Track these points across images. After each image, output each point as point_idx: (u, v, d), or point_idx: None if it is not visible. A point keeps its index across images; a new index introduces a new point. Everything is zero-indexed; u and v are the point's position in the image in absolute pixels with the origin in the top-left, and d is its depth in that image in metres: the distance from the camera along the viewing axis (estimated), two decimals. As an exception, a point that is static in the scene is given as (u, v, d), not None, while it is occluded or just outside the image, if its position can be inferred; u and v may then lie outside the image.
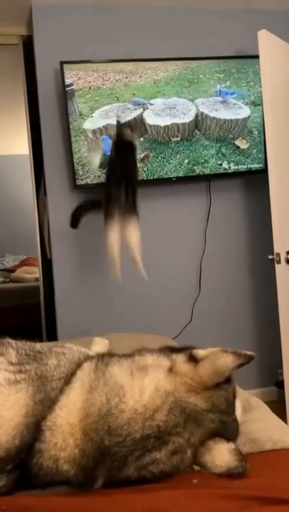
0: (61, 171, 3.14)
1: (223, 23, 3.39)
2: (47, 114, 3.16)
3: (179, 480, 0.94)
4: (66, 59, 3.04)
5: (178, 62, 3.16)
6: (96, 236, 3.18)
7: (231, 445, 0.96)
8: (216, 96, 3.18)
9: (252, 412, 1.24)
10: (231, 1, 3.34)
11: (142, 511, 0.85)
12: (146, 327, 2.88)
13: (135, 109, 3.10)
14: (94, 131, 3.05)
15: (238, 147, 3.22)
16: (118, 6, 3.22)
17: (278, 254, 2.64)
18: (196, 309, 3.34)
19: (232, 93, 3.20)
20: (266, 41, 2.61)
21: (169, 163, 3.14)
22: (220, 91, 3.19)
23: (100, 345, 1.58)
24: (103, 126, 3.06)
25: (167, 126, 3.12)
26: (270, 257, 2.69)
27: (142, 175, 3.10)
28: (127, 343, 2.00)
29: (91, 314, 3.15)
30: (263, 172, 2.95)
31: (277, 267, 2.65)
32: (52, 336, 3.35)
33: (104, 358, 1.07)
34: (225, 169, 3.21)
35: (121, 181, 2.67)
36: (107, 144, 3.04)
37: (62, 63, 3.01)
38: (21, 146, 3.63)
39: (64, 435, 0.94)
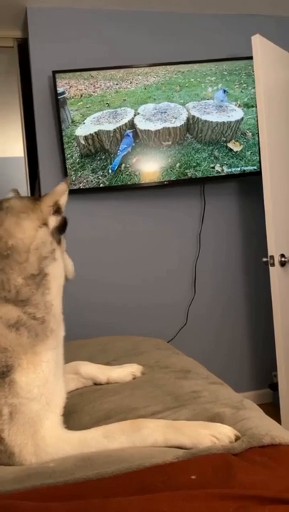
0: (55, 175, 3.14)
1: (215, 29, 3.41)
2: (42, 120, 3.17)
3: (177, 477, 0.94)
4: (60, 64, 3.08)
5: (168, 67, 3.17)
6: (91, 238, 3.18)
7: None
8: (210, 98, 3.19)
9: (246, 411, 1.24)
10: (223, 7, 3.35)
11: (140, 514, 0.84)
12: (142, 330, 2.87)
13: (126, 114, 3.11)
14: (86, 138, 3.07)
15: (230, 150, 3.22)
16: (109, 10, 3.24)
17: (272, 257, 2.64)
18: (191, 312, 3.34)
19: (224, 91, 3.20)
20: (260, 46, 2.62)
21: (160, 167, 3.15)
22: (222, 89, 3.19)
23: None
24: (95, 132, 3.07)
25: (158, 131, 3.13)
26: (265, 259, 2.70)
27: (134, 179, 3.11)
28: (122, 346, 2.01)
29: (86, 317, 3.14)
30: (258, 174, 2.96)
31: (271, 269, 2.65)
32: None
33: None
34: (218, 172, 3.21)
35: None
36: (128, 140, 3.08)
37: (54, 73, 3.05)
38: (16, 148, 3.65)
39: None
